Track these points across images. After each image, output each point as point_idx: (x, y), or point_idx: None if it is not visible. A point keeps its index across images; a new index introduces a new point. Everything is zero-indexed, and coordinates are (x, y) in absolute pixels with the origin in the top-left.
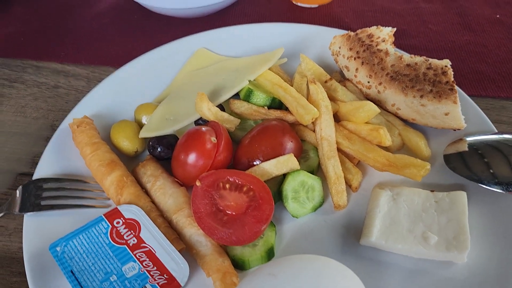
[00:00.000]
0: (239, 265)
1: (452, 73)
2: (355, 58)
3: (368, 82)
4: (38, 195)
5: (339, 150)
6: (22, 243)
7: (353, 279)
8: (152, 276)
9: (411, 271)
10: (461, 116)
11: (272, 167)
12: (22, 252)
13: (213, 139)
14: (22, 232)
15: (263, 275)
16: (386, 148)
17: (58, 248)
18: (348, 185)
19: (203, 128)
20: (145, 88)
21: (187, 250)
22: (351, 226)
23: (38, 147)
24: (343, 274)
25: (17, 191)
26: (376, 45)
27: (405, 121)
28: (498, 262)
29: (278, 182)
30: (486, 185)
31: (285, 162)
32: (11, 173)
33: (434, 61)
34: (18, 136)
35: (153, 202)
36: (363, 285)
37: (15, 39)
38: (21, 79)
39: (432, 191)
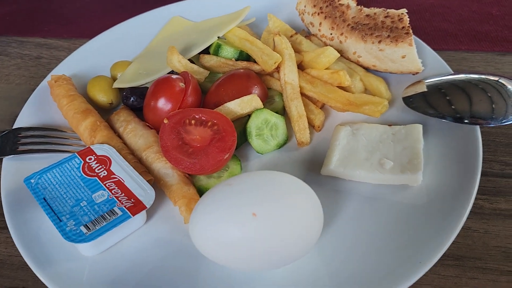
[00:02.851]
0: None
1: (408, 19)
2: (318, 14)
3: (331, 34)
4: (16, 141)
5: (302, 94)
6: None
7: (305, 190)
8: (120, 200)
9: (368, 197)
10: (417, 58)
11: (236, 106)
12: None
13: (181, 84)
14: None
15: (220, 185)
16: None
17: (32, 180)
18: (312, 125)
19: (172, 76)
20: (122, 52)
21: (156, 182)
22: (314, 161)
23: (20, 108)
24: (295, 183)
25: None
26: (338, 1)
27: (366, 69)
28: (451, 187)
29: (243, 123)
30: (444, 119)
31: (249, 101)
32: None
33: (392, 11)
34: (2, 100)
35: (124, 143)
36: (316, 196)
37: (0, 19)
38: (5, 52)
39: (389, 125)
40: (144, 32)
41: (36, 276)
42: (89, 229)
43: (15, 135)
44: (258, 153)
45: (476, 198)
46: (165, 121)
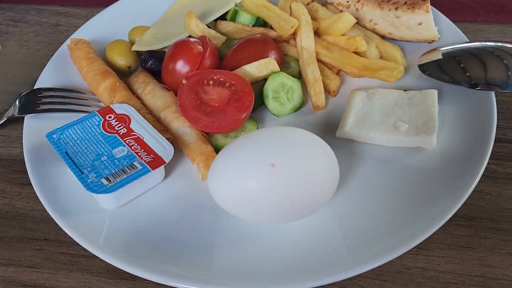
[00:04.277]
0: None
1: None
2: None
3: (347, 1)
4: (37, 101)
5: (318, 60)
6: (22, 148)
7: (322, 144)
8: (139, 156)
9: (382, 159)
10: (433, 25)
11: (253, 69)
12: (23, 155)
13: (199, 47)
14: (22, 138)
15: (239, 139)
16: None
17: (54, 136)
18: (327, 90)
19: (190, 39)
20: (140, 19)
21: (174, 141)
22: (329, 124)
23: (39, 72)
24: (313, 138)
25: (18, 99)
26: None
27: (382, 37)
28: (466, 150)
29: (260, 86)
30: (460, 85)
31: (266, 65)
32: (14, 93)
33: None
34: (21, 64)
35: (143, 104)
36: (332, 151)
37: None
38: (25, 20)
39: (405, 90)
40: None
41: (57, 229)
42: (110, 181)
43: (36, 95)
44: (274, 115)
45: (489, 163)
46: (184, 81)
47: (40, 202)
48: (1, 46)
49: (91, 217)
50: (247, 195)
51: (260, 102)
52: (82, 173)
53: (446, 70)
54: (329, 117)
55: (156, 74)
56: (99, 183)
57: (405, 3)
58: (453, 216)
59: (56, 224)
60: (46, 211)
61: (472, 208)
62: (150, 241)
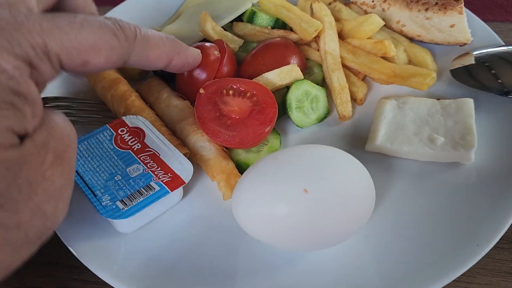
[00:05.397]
0: (243, 170)
1: None
2: None
3: (373, 1)
4: None
5: (344, 65)
6: None
7: (357, 164)
8: (156, 175)
9: (416, 175)
10: (467, 27)
11: (275, 76)
12: None
13: (216, 52)
14: None
15: (266, 159)
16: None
17: None
18: (353, 98)
19: (206, 44)
20: (150, 19)
21: (192, 156)
22: (357, 136)
23: None
24: (346, 157)
25: None
26: None
27: (410, 40)
28: (506, 165)
29: (282, 95)
30: (494, 93)
31: (289, 72)
32: None
33: None
34: None
35: (157, 115)
36: (368, 173)
37: None
38: None
39: (438, 99)
40: None
41: (69, 252)
42: (126, 204)
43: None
44: (298, 126)
45: None
46: (201, 91)
47: None
48: None
49: (104, 241)
50: (277, 221)
51: (282, 111)
52: (95, 196)
53: (479, 76)
54: (356, 127)
55: (169, 81)
56: (114, 207)
57: (436, 3)
58: None
59: (67, 248)
60: (56, 234)
61: None
62: (168, 267)
